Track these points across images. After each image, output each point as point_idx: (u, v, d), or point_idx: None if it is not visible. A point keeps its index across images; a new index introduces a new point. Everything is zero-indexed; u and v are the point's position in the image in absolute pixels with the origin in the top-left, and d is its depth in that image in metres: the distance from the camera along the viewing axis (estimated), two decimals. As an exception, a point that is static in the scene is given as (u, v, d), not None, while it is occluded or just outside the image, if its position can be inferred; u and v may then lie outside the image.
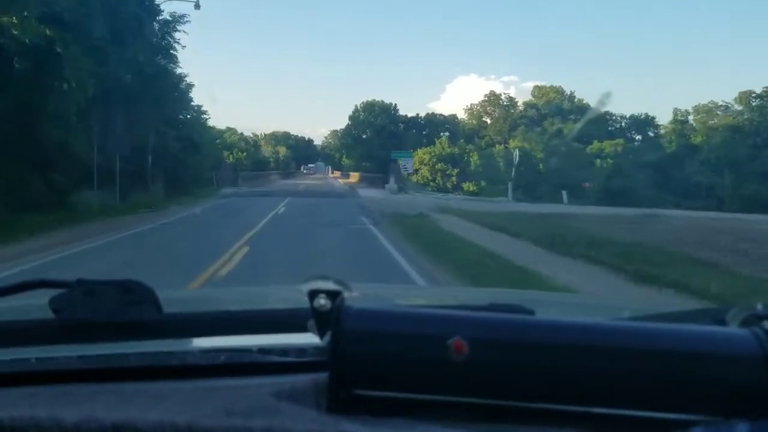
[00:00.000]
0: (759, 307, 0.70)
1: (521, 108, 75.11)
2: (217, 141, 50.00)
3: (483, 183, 50.16)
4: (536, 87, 77.61)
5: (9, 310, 1.21)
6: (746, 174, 43.29)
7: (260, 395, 0.70)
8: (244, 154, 65.56)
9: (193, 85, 30.46)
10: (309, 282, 0.67)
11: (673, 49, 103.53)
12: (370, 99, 79.35)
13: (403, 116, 79.75)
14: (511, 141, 62.40)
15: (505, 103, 78.96)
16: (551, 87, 76.50)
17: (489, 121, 77.35)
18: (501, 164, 52.00)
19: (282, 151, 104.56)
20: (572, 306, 2.01)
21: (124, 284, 0.88)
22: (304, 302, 0.69)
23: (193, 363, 0.86)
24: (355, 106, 79.81)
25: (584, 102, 73.87)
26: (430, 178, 57.87)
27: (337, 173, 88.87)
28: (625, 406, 0.64)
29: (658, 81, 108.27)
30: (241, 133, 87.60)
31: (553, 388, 0.63)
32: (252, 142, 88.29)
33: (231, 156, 61.83)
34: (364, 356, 0.64)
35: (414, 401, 0.65)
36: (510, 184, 27.60)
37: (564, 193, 29.26)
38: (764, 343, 0.63)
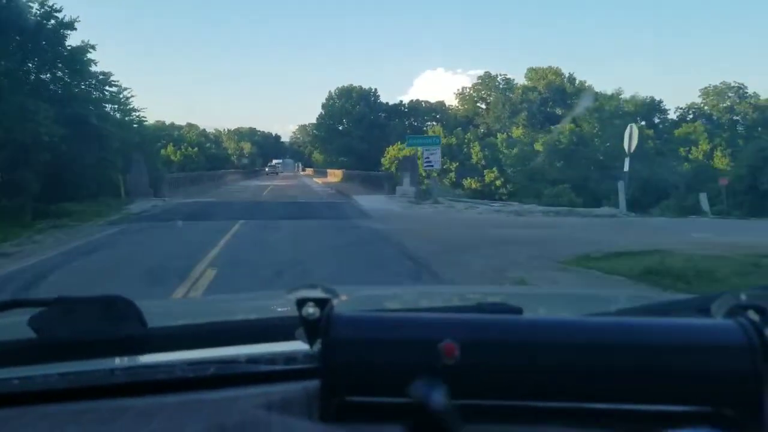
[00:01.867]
0: (743, 297, 0.70)
1: (520, 91, 65.27)
2: (160, 140, 37.93)
3: (511, 183, 39.21)
4: (531, 69, 67.83)
5: None
6: None
7: (251, 407, 0.70)
8: (196, 150, 53.48)
9: (94, 46, 18.57)
10: (297, 290, 0.66)
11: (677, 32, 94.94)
12: (347, 84, 68.61)
13: (384, 104, 69.36)
14: (513, 129, 53.21)
15: (502, 86, 69.45)
16: (549, 68, 66.95)
17: (484, 107, 67.73)
18: (506, 155, 41.74)
19: (246, 147, 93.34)
20: (559, 301, 1.98)
21: (105, 300, 0.86)
22: (291, 310, 0.68)
23: (180, 376, 0.82)
24: (330, 92, 69.13)
25: (587, 84, 65.20)
26: (424, 175, 47.18)
27: (309, 171, 78.03)
28: (616, 401, 0.64)
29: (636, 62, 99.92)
30: (203, 129, 78.65)
31: (543, 385, 0.64)
32: (213, 138, 77.45)
33: (178, 153, 50.15)
34: (355, 364, 0.64)
35: (406, 406, 0.61)
36: (622, 186, 16.68)
37: (703, 197, 18.74)
38: (749, 333, 0.64)
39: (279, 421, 0.66)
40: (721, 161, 37.50)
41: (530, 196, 28.53)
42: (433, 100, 73.10)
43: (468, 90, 70.63)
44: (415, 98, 74.40)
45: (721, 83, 57.73)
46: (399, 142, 49.77)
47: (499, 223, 14.51)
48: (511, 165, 40.61)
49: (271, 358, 0.86)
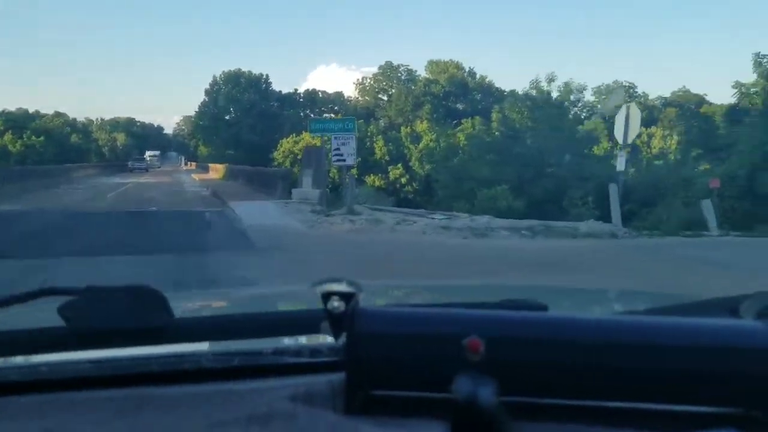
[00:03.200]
0: None
1: (422, 84, 61.46)
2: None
3: (417, 181, 33.67)
4: (432, 62, 64.26)
5: (17, 319, 1.11)
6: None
7: (276, 399, 0.70)
8: (41, 139, 44.04)
9: None
10: (322, 284, 0.67)
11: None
12: (234, 68, 61.02)
13: (277, 92, 62.65)
14: (417, 122, 49.22)
15: (404, 77, 65.11)
16: (450, 62, 63.80)
17: (386, 99, 63.16)
18: (412, 150, 36.61)
19: (120, 138, 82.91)
20: (585, 298, 1.88)
21: (134, 290, 0.86)
22: (316, 304, 0.68)
23: (206, 366, 0.83)
24: (214, 77, 61.20)
25: (488, 80, 62.88)
26: (335, 172, 41.04)
27: (192, 165, 69.48)
28: (641, 400, 0.64)
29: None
30: (74, 119, 69.43)
31: (567, 384, 0.63)
32: (82, 128, 68.18)
33: (18, 143, 40.70)
34: (379, 358, 0.64)
35: (431, 401, 0.64)
36: (615, 193, 11.39)
37: (707, 206, 13.77)
38: None
39: (304, 413, 0.67)
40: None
41: (459, 199, 23.30)
42: (330, 90, 67.75)
43: (368, 81, 65.85)
44: (311, 88, 68.34)
45: (613, 82, 56.70)
46: (293, 134, 44.21)
47: (479, 257, 8.83)
48: (430, 161, 35.41)
49: (297, 351, 0.86)
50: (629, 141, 12.47)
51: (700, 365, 0.62)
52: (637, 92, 56.61)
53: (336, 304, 0.66)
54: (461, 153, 30.70)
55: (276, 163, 40.31)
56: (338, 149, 14.70)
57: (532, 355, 0.63)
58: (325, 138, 16.82)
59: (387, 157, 44.38)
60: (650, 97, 56.01)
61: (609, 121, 50.58)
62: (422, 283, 3.26)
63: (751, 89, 24.33)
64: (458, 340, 0.62)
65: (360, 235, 10.89)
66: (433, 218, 12.92)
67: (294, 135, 43.44)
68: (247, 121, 56.52)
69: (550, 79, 29.81)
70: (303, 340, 0.90)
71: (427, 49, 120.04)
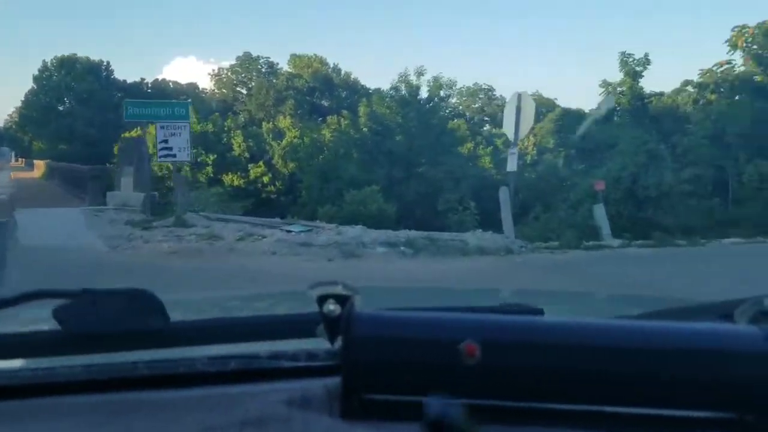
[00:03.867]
0: (767, 303, 0.71)
1: (285, 78, 58.64)
2: None
3: (280, 180, 30.24)
4: (295, 56, 61.54)
5: (10, 321, 1.10)
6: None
7: (272, 403, 0.70)
8: None
9: None
10: (318, 287, 0.67)
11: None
12: (68, 53, 53.81)
13: (120, 81, 56.27)
14: (280, 118, 46.52)
15: (264, 70, 61.53)
16: (315, 57, 61.54)
17: (245, 93, 59.42)
18: (275, 147, 33.51)
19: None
20: (580, 303, 1.90)
21: (129, 293, 0.86)
22: (311, 307, 0.68)
23: (201, 370, 0.82)
24: (44, 62, 53.60)
25: (353, 77, 61.51)
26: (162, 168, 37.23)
27: (22, 161, 60.95)
28: (638, 404, 0.64)
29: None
30: None
31: (564, 388, 0.64)
32: None
33: None
34: (376, 361, 0.64)
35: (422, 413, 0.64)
36: (601, 212, 9.29)
37: (599, 211, 11.93)
38: None
39: (299, 417, 0.67)
40: (485, 160, 34.06)
41: (325, 201, 20.56)
42: (183, 81, 62.37)
43: (226, 72, 61.39)
44: (161, 77, 62.57)
45: (473, 84, 57.55)
46: (138, 128, 39.30)
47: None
48: (294, 158, 32.37)
49: (293, 355, 0.85)
50: (522, 136, 10.49)
51: (695, 369, 0.62)
52: (495, 95, 57.61)
53: (332, 307, 0.66)
54: (326, 151, 27.95)
55: (116, 160, 35.47)
56: (166, 141, 11.14)
57: (528, 359, 0.63)
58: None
59: (247, 154, 40.97)
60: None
61: (472, 122, 51.40)
62: (418, 287, 3.25)
63: (618, 88, 24.14)
64: (454, 344, 0.61)
65: (181, 261, 7.80)
66: (289, 231, 10.08)
67: (138, 129, 38.67)
68: (83, 112, 49.91)
69: (419, 73, 27.99)
70: (299, 343, 0.88)
71: (291, 44, 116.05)
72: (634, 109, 22.93)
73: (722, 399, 0.63)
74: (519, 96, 10.46)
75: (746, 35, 22.71)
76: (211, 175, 40.29)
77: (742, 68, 23.23)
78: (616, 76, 24.59)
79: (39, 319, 0.91)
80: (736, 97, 23.16)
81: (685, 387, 0.62)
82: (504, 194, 10.61)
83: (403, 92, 27.57)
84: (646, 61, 23.60)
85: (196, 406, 0.70)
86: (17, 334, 0.93)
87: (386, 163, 23.06)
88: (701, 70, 24.89)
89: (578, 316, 0.82)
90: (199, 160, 40.84)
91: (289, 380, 0.78)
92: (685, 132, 22.30)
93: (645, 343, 0.64)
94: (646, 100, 23.79)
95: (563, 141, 31.59)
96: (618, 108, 24.26)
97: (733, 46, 23.18)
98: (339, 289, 0.66)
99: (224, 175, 39.64)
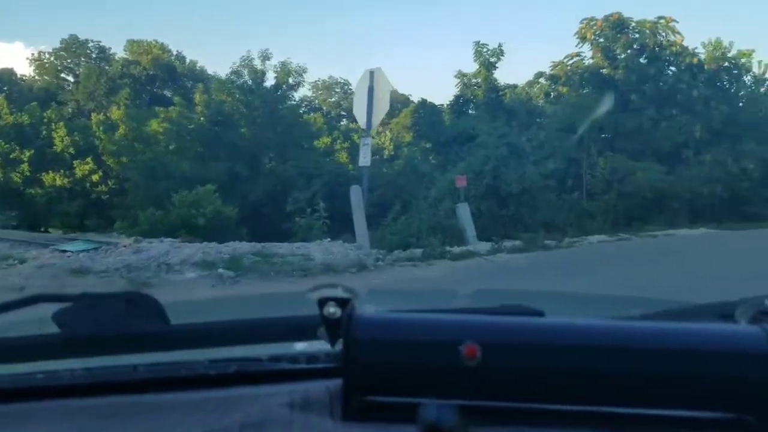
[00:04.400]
0: (767, 303, 0.71)
1: (120, 65, 53.05)
2: None
3: (114, 179, 26.04)
4: (132, 41, 55.97)
5: (10, 326, 1.11)
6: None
7: (273, 405, 0.71)
8: None
9: None
10: (318, 290, 0.68)
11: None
12: None
13: None
14: (113, 109, 41.99)
15: (95, 55, 55.21)
16: (155, 42, 56.39)
17: (72, 80, 53.07)
18: (105, 141, 29.50)
19: None
20: (581, 304, 1.90)
21: (128, 296, 0.87)
22: (312, 310, 0.69)
23: (202, 373, 0.83)
24: None
25: (200, 66, 57.27)
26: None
27: None
28: (639, 405, 0.64)
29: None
30: None
31: (565, 389, 0.64)
32: None
33: None
34: (376, 364, 0.65)
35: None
36: (465, 212, 7.52)
37: (464, 211, 10.23)
38: None
39: (300, 420, 0.67)
40: (341, 155, 32.36)
41: (150, 204, 17.39)
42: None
43: (48, 56, 54.29)
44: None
45: (329, 77, 55.72)
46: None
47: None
48: (115, 153, 28.38)
49: (293, 357, 0.85)
50: (377, 122, 8.60)
51: (695, 369, 0.63)
52: (351, 89, 56.31)
53: (332, 309, 0.67)
54: (154, 144, 24.47)
55: None
56: None
57: (529, 360, 0.64)
58: None
59: (72, 150, 36.04)
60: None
61: (329, 116, 49.55)
62: (418, 289, 3.13)
63: (473, 80, 23.37)
64: (455, 346, 0.62)
65: None
66: (64, 251, 7.36)
67: None
68: None
69: (265, 57, 25.30)
70: (300, 346, 0.89)
71: (129, 29, 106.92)
72: (489, 101, 22.30)
73: (723, 399, 0.63)
74: (371, 73, 8.48)
75: (594, 28, 22.95)
76: (28, 173, 35.35)
77: (591, 61, 23.47)
78: (472, 67, 23.98)
79: (40, 322, 0.91)
80: (585, 90, 23.35)
81: (685, 387, 0.62)
82: (356, 194, 8.66)
83: (245, 78, 24.75)
84: (500, 52, 23.14)
85: (197, 409, 0.70)
86: (18, 338, 0.92)
87: (227, 158, 20.35)
88: (553, 62, 24.98)
89: (579, 317, 0.80)
90: (12, 157, 35.92)
91: (289, 382, 0.78)
92: (539, 125, 22.15)
93: (646, 344, 0.64)
94: (500, 93, 23.31)
95: (421, 134, 30.79)
96: (473, 99, 23.57)
97: (582, 39, 23.39)
98: (339, 292, 0.67)
99: (44, 174, 35.32)
